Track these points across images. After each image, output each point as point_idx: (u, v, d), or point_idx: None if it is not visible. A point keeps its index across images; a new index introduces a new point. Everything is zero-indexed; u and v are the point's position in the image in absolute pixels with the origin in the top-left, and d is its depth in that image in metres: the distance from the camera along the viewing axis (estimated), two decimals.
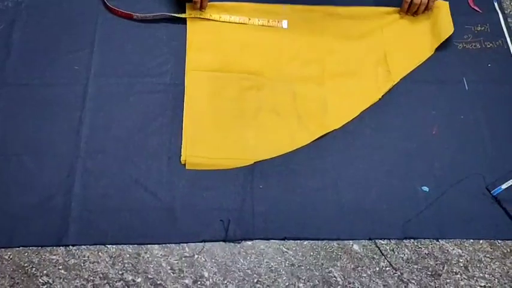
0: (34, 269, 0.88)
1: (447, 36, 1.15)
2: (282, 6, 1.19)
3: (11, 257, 0.89)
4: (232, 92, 1.07)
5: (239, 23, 1.16)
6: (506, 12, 1.23)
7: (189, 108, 1.05)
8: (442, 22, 1.17)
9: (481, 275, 0.91)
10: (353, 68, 1.12)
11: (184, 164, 0.99)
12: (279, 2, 1.20)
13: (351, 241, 0.94)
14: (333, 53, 1.14)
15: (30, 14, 1.16)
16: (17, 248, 0.90)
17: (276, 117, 1.05)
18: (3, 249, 0.89)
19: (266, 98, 1.07)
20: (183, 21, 1.16)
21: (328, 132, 1.04)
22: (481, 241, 0.95)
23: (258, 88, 1.08)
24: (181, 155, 1.00)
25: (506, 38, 1.19)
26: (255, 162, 1.00)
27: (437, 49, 1.16)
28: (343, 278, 0.90)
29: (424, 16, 1.19)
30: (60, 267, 0.88)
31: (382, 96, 1.09)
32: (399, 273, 0.91)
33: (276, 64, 1.12)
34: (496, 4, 1.24)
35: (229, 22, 1.16)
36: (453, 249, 0.94)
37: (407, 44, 1.16)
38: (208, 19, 1.16)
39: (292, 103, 1.07)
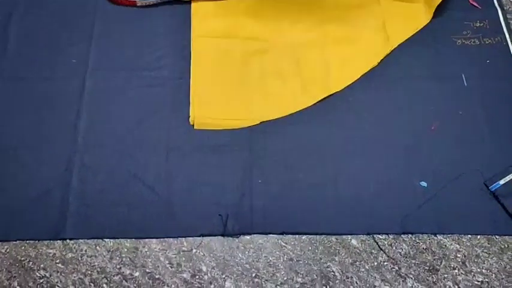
0: (31, 262, 0.87)
1: (439, 2, 1.18)
2: None
3: (8, 250, 0.88)
4: (237, 56, 1.12)
5: None
6: (505, 8, 1.23)
7: (196, 72, 1.08)
8: None
9: (478, 270, 0.91)
10: (353, 34, 1.17)
11: (193, 125, 1.02)
12: None
13: (349, 236, 0.94)
14: (333, 20, 1.19)
15: (28, 6, 1.16)
16: (14, 242, 0.89)
17: (280, 80, 1.10)
18: (0, 243, 0.89)
19: (270, 62, 1.12)
20: (184, 13, 1.16)
21: (329, 95, 1.08)
22: (478, 236, 0.95)
23: (262, 53, 1.13)
24: (189, 115, 1.03)
25: (505, 35, 1.19)
26: (260, 122, 1.04)
27: (436, 45, 1.16)
28: (341, 273, 0.90)
29: None
30: (58, 261, 0.88)
31: (381, 60, 1.13)
32: (397, 267, 0.91)
33: (279, 30, 1.16)
34: (495, 0, 1.24)
35: None
36: (451, 244, 0.94)
37: (405, 12, 1.21)
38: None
39: (295, 66, 1.12)
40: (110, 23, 1.14)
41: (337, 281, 0.89)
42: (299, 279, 0.89)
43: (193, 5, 1.17)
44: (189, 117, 1.03)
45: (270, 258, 0.91)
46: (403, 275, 0.90)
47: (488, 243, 0.94)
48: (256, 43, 1.14)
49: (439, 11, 1.20)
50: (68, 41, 1.11)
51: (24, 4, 1.16)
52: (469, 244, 0.94)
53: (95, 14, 1.15)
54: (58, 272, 0.87)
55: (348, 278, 0.89)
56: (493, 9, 1.23)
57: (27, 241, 0.90)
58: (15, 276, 0.86)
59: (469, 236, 0.95)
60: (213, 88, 1.07)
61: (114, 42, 1.12)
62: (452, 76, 1.13)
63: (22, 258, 0.88)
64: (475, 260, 0.92)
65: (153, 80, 1.07)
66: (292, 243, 0.92)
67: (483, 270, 0.91)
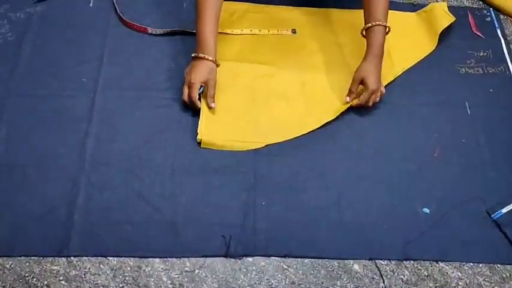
0: (35, 279, 0.88)
1: (443, 28, 1.22)
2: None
3: (12, 266, 0.89)
4: (245, 79, 1.15)
5: (251, 34, 1.23)
6: (508, 38, 1.25)
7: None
8: (436, 18, 1.24)
9: None
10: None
11: (199, 143, 1.04)
12: (283, 4, 1.28)
13: (351, 260, 0.94)
14: (338, 47, 1.22)
15: (41, 26, 1.18)
16: (19, 258, 0.90)
17: (285, 103, 1.12)
18: (4, 258, 0.89)
19: (276, 85, 1.15)
20: (194, 38, 1.18)
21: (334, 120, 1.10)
22: (480, 265, 0.95)
23: (269, 77, 1.16)
24: (197, 134, 1.05)
25: (508, 64, 1.21)
26: (266, 145, 1.05)
27: (440, 73, 1.19)
28: None
29: (421, 15, 1.28)
30: (61, 278, 0.88)
31: (386, 86, 1.14)
32: None
33: (286, 56, 1.20)
34: (498, 31, 1.26)
35: (242, 34, 1.23)
36: (453, 272, 0.94)
37: (409, 40, 1.25)
38: (221, 32, 1.20)
39: (301, 90, 1.14)
40: (120, 44, 1.17)
41: None
42: None
43: None
44: (195, 138, 1.05)
45: (272, 281, 0.91)
46: None
47: (490, 272, 0.94)
48: (264, 67, 1.17)
49: (443, 40, 1.23)
50: (79, 60, 1.14)
51: (38, 23, 1.19)
52: (470, 272, 0.94)
53: (106, 34, 1.18)
54: None
55: None
56: (497, 39, 1.25)
57: (32, 257, 0.90)
58: None
59: (471, 264, 0.95)
60: (220, 110, 1.08)
61: (124, 62, 1.14)
62: (456, 104, 1.15)
63: (26, 275, 0.88)
64: None
65: (161, 101, 1.09)
66: (295, 266, 0.93)
67: None
